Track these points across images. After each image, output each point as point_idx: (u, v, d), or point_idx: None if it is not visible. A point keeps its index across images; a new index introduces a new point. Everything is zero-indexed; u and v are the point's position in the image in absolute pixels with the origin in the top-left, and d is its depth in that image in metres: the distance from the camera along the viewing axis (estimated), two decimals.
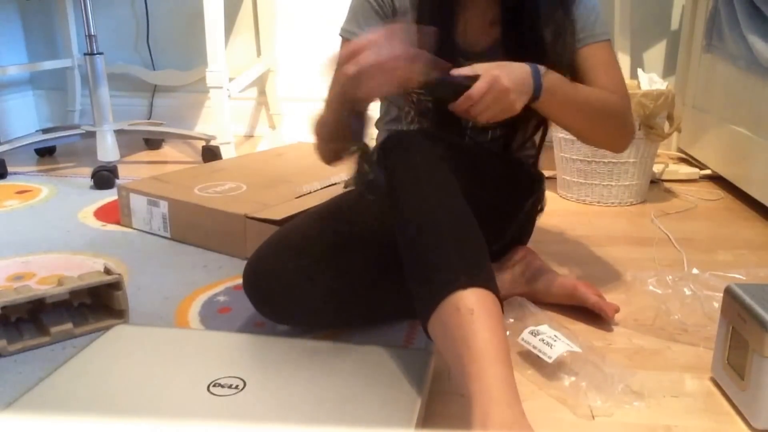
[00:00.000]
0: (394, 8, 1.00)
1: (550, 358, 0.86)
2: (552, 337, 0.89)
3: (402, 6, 1.00)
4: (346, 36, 1.02)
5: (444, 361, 0.91)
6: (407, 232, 0.80)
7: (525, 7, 0.97)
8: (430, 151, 0.85)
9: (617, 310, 1.04)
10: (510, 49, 0.98)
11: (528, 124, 1.06)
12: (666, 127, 1.70)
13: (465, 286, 0.73)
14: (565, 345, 0.87)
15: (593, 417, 0.80)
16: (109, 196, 1.74)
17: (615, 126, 1.02)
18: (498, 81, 0.84)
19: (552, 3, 0.97)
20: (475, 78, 0.85)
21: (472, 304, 0.71)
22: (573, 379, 0.87)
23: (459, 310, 0.71)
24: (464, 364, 0.69)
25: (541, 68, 0.90)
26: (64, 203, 1.69)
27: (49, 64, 2.46)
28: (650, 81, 1.75)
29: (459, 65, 0.89)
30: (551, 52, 0.97)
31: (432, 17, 0.97)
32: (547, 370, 0.89)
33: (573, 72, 1.00)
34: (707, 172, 1.89)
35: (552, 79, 0.91)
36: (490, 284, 0.75)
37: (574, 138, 1.63)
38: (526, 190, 1.11)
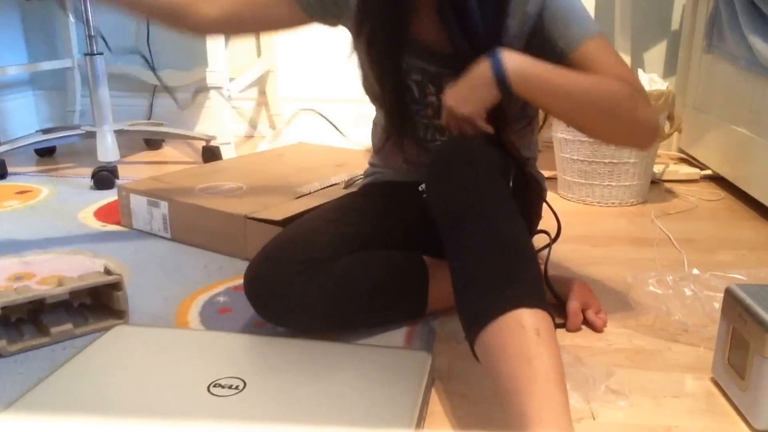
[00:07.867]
0: None
1: None
2: None
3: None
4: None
5: (445, 362, 0.92)
6: (471, 244, 0.79)
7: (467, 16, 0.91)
8: (490, 166, 0.84)
9: (605, 324, 1.03)
10: (464, 55, 0.93)
11: (505, 122, 0.99)
12: (666, 127, 1.70)
13: (530, 306, 0.72)
14: None
15: (581, 419, 0.80)
16: (109, 196, 1.74)
17: (623, 116, 0.88)
18: (453, 112, 0.89)
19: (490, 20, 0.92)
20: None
21: (538, 324, 0.71)
22: None
23: (523, 328, 0.70)
24: (522, 382, 0.67)
25: (505, 57, 0.85)
26: (64, 203, 1.69)
27: (49, 65, 2.46)
28: (651, 81, 1.75)
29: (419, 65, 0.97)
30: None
31: (380, 14, 0.96)
32: None
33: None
34: (708, 172, 1.89)
35: (519, 64, 0.86)
36: (550, 310, 0.74)
37: (575, 138, 1.65)
38: (530, 194, 1.11)
